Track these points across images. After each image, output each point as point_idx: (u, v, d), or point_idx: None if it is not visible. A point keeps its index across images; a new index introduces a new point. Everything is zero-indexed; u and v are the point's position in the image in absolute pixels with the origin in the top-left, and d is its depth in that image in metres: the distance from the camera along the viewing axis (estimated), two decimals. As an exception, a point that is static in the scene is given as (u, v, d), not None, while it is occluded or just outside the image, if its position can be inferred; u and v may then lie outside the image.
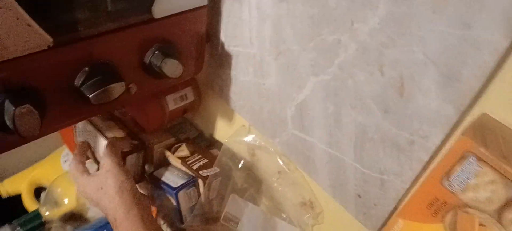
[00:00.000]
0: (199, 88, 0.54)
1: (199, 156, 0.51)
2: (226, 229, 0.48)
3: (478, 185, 0.25)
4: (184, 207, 0.48)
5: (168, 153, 0.52)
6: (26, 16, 0.27)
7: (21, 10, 0.27)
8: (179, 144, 0.53)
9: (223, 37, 0.44)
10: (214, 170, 0.49)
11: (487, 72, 0.24)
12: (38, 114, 0.30)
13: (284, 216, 0.49)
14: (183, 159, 0.50)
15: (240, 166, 0.50)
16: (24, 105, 0.29)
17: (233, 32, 0.42)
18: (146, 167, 0.51)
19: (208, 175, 0.48)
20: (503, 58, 0.24)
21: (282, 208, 0.49)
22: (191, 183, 0.48)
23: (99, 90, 0.33)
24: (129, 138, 0.49)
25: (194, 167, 0.49)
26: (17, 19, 0.27)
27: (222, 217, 0.48)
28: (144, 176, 0.51)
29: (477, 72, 0.24)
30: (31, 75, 0.30)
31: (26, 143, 0.33)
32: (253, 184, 0.51)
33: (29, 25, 0.27)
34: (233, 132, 0.50)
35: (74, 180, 0.44)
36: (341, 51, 0.32)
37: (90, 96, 0.33)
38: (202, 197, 0.49)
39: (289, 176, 0.46)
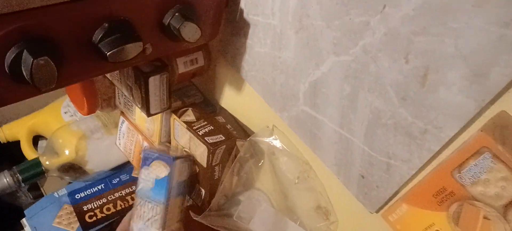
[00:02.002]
0: (210, 53, 0.53)
1: (205, 122, 0.51)
2: (238, 226, 0.50)
3: (489, 180, 0.26)
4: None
5: (174, 117, 0.52)
6: (51, -36, 0.26)
7: (46, -43, 0.26)
8: (186, 109, 0.53)
9: (243, 4, 0.43)
10: (220, 137, 0.49)
11: (515, 72, 0.24)
12: (55, 67, 0.30)
13: (295, 218, 0.50)
14: (189, 124, 0.51)
15: (259, 164, 0.51)
16: (43, 57, 0.29)
17: (255, 0, 0.41)
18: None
19: (213, 142, 0.48)
20: (533, 61, 0.24)
21: (295, 209, 0.50)
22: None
23: (116, 49, 0.33)
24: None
25: (200, 133, 0.49)
26: (42, -34, 0.26)
27: (235, 215, 0.49)
28: (170, 103, 0.48)
29: (506, 71, 0.25)
30: (51, 27, 0.29)
31: (40, 94, 0.33)
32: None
33: (53, -26, 0.26)
34: (256, 131, 0.50)
35: None
36: (368, 34, 0.32)
37: (108, 54, 0.32)
38: (205, 164, 0.49)
39: (308, 182, 0.47)
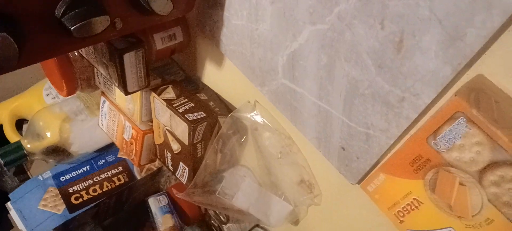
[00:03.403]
0: (189, 28, 0.52)
1: (185, 99, 0.50)
2: (222, 201, 0.49)
3: (464, 145, 0.25)
4: None
5: (153, 95, 0.51)
6: None
7: None
8: (165, 86, 0.52)
9: (216, -26, 0.41)
10: (200, 114, 0.49)
11: (492, 33, 0.23)
12: (16, 44, 0.28)
13: (280, 193, 0.50)
14: (168, 101, 0.49)
15: (242, 141, 0.50)
16: (0, 34, 0.27)
17: (228, -30, 0.40)
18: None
19: (193, 119, 0.48)
20: (508, 21, 0.23)
21: (279, 184, 0.49)
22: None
23: (81, 23, 0.31)
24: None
25: (180, 110, 0.48)
26: None
27: (218, 191, 0.48)
28: (149, 79, 0.47)
29: (483, 33, 0.24)
30: (7, 2, 0.27)
31: (6, 73, 0.31)
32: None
33: None
34: (238, 107, 0.49)
35: None
36: (342, 0, 0.31)
37: (72, 28, 0.31)
38: (187, 141, 0.49)
39: (291, 157, 0.46)
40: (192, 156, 0.50)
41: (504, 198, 0.24)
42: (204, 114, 0.48)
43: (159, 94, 0.51)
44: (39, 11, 0.30)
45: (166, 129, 0.52)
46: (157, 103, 0.51)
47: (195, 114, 0.48)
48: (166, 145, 0.54)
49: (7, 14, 0.28)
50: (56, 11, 0.31)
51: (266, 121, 0.48)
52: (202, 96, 0.54)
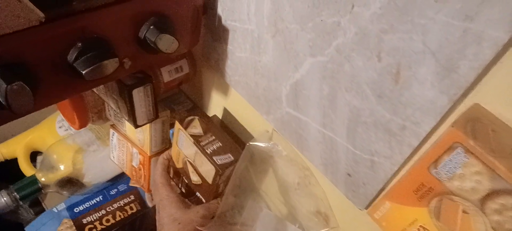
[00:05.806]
0: (195, 60, 0.53)
1: (213, 137, 0.48)
2: None
3: (464, 175, 0.26)
4: None
5: (179, 127, 0.50)
6: (15, -9, 0.26)
7: (9, -16, 0.26)
8: (192, 118, 0.50)
9: (220, 10, 0.43)
10: (228, 157, 0.47)
11: (484, 65, 0.24)
12: (31, 91, 0.30)
13: (296, 222, 0.49)
14: (196, 138, 0.48)
15: (259, 170, 0.50)
16: (16, 82, 0.29)
17: (231, 6, 0.41)
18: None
19: (222, 164, 0.46)
20: (501, 52, 0.24)
21: (296, 214, 0.49)
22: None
23: (92, 67, 0.33)
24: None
25: (208, 151, 0.47)
26: (6, -6, 0.26)
27: (239, 223, 0.48)
28: (157, 113, 0.48)
29: (475, 64, 0.24)
30: (22, 52, 0.29)
31: (22, 117, 0.33)
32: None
33: (19, 1, 0.27)
34: (256, 136, 0.49)
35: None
36: (340, 34, 0.32)
37: (84, 72, 0.33)
38: (211, 181, 0.48)
39: (308, 188, 0.46)
40: (214, 193, 0.49)
41: (507, 226, 0.24)
42: (233, 158, 0.47)
43: (186, 128, 0.49)
44: (53, 58, 0.32)
45: (187, 160, 0.51)
46: (183, 136, 0.50)
47: (223, 157, 0.46)
48: (184, 172, 0.54)
49: (22, 63, 0.30)
50: (68, 57, 0.33)
51: (283, 150, 0.47)
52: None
